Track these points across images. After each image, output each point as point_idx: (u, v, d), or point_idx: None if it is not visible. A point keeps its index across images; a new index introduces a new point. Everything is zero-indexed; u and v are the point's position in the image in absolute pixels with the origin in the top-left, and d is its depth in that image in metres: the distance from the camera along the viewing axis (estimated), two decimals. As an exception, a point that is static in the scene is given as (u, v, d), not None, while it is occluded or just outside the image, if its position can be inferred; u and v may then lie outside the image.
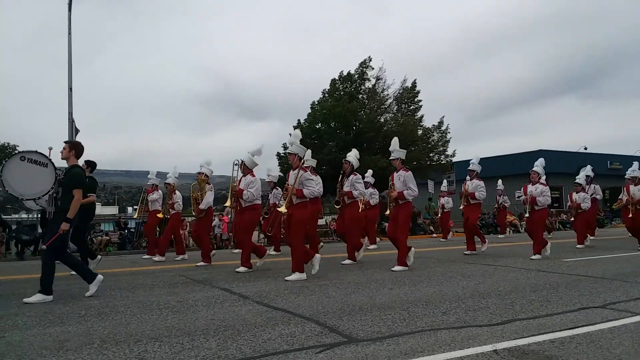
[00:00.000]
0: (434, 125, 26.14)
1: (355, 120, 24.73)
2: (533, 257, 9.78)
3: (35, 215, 20.07)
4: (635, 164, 12.49)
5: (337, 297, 5.85)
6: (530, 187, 10.41)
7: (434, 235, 20.98)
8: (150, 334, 4.24)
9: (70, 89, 16.30)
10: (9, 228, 15.10)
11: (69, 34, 16.49)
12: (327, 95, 26.15)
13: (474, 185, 11.61)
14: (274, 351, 3.65)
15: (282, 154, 25.82)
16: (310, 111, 26.12)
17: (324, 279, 7.45)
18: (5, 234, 14.75)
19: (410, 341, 3.85)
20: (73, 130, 16.04)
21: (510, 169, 32.42)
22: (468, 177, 11.85)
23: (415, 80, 26.32)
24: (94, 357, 3.61)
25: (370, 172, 14.02)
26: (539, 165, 10.81)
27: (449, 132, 26.00)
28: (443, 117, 26.18)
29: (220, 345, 3.85)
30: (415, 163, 24.21)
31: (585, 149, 37.74)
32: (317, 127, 25.48)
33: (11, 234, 14.94)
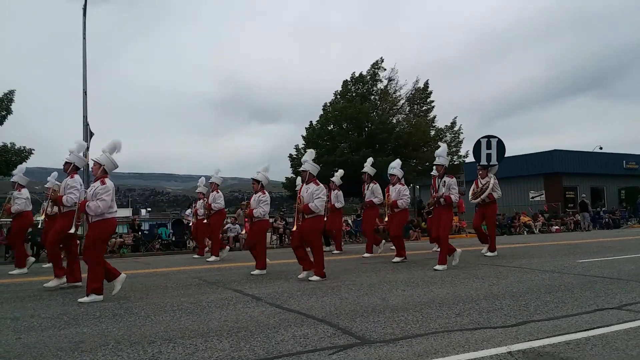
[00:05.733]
0: (446, 125, 26.04)
1: (367, 121, 24.68)
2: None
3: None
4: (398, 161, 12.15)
5: (350, 299, 5.84)
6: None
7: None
8: (164, 335, 4.27)
9: (85, 93, 16.47)
10: None
11: (84, 38, 16.66)
12: (339, 96, 26.15)
13: (213, 197, 11.67)
14: (287, 352, 3.66)
15: (294, 156, 25.88)
16: (322, 113, 26.13)
17: (337, 280, 7.45)
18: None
19: (424, 343, 3.84)
20: (88, 133, 16.21)
21: (524, 169, 32.19)
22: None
23: (427, 80, 26.24)
24: (109, 358, 3.65)
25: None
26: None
27: (461, 133, 25.88)
28: (456, 117, 26.13)
29: (234, 346, 3.86)
30: (427, 164, 24.07)
31: (601, 148, 37.28)
32: (329, 128, 25.47)
33: (27, 237, 15.13)
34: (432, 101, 26.31)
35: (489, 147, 11.88)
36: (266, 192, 9.03)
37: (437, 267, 8.38)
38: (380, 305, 5.42)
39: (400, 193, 10.06)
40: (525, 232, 22.92)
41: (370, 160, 12.25)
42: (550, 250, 12.21)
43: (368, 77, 25.77)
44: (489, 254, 10.55)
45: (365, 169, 11.98)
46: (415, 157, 24.22)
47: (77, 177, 7.42)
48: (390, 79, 25.94)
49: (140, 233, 16.65)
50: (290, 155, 26.11)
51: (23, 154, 18.11)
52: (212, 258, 11.52)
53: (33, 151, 18.47)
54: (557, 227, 24.36)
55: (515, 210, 25.24)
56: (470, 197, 11.07)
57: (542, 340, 3.83)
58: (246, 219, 7.66)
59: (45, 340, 4.25)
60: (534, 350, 3.58)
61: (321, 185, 7.84)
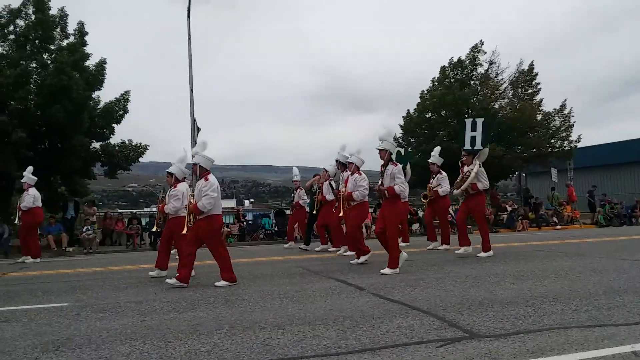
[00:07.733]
0: (555, 109, 24.45)
1: (467, 107, 23.81)
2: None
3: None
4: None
5: (455, 291, 5.70)
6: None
7: (558, 227, 19.72)
8: (274, 322, 4.44)
9: (191, 91, 17.44)
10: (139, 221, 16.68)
11: (189, 38, 17.62)
12: (436, 83, 25.46)
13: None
14: (393, 343, 3.66)
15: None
16: (419, 100, 25.63)
17: (441, 272, 7.30)
18: (140, 227, 16.22)
19: (538, 339, 3.66)
20: (195, 129, 17.17)
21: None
22: None
23: (532, 62, 24.75)
24: (224, 341, 3.86)
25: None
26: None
27: (572, 116, 24.19)
28: (565, 100, 24.38)
29: (340, 335, 3.93)
30: (534, 150, 22.85)
31: None
32: (427, 116, 24.93)
33: (145, 227, 16.43)
34: (538, 83, 24.82)
35: (474, 128, 9.71)
36: (178, 186, 7.69)
37: (385, 270, 7.25)
38: (488, 298, 5.24)
39: (356, 184, 8.70)
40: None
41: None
42: (679, 242, 11.11)
43: (467, 62, 24.83)
44: (482, 254, 8.91)
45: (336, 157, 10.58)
46: (521, 143, 23.05)
47: None
48: (491, 63, 24.80)
49: (244, 223, 17.41)
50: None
51: (139, 150, 19.56)
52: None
53: (148, 147, 19.91)
54: (687, 217, 22.13)
55: (636, 199, 23.23)
56: (453, 188, 9.86)
57: (673, 340, 3.51)
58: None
59: (166, 322, 4.59)
60: (664, 351, 3.29)
61: (211, 180, 6.78)
